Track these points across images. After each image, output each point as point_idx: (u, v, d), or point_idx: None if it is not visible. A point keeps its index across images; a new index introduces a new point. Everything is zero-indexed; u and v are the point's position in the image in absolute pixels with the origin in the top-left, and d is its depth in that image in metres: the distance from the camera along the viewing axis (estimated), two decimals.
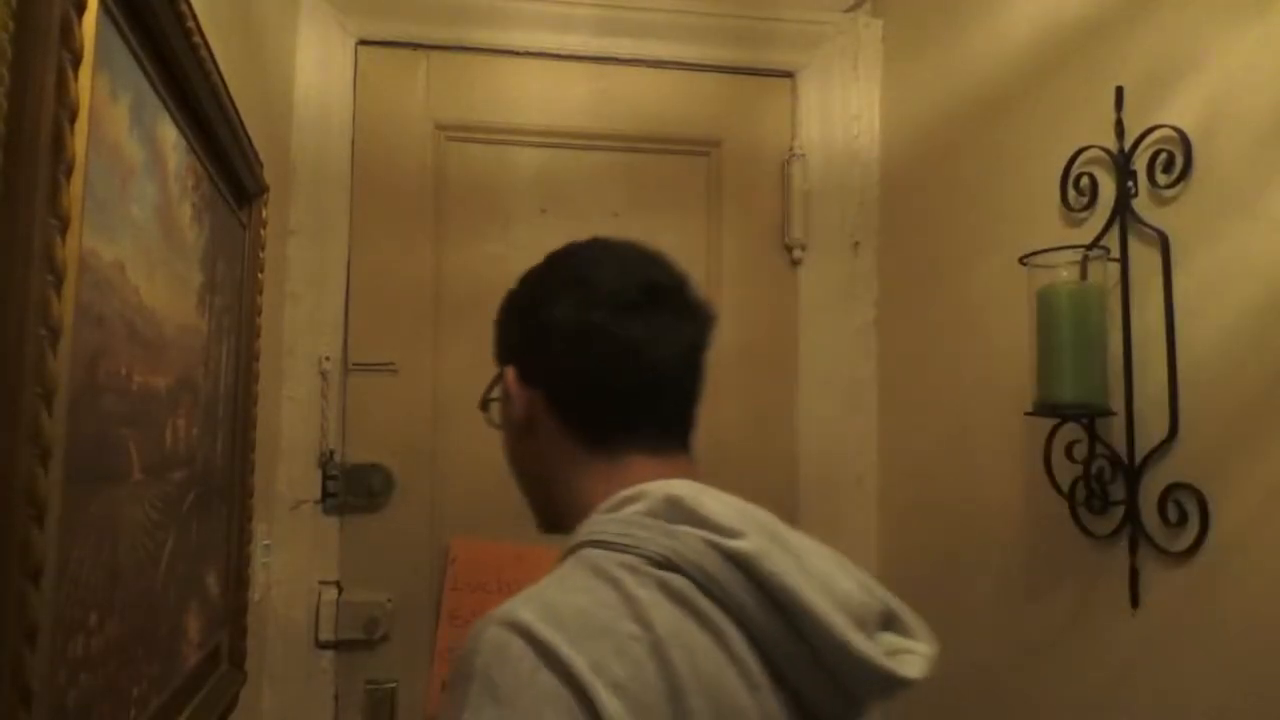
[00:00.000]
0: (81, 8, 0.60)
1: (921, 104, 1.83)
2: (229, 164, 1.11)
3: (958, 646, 1.64)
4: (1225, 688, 1.10)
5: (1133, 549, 1.23)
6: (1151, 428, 1.21)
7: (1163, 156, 1.21)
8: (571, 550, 0.70)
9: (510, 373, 0.80)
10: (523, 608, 0.63)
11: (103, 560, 0.72)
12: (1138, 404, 1.23)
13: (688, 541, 0.65)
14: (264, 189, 1.32)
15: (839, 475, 1.93)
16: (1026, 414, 1.32)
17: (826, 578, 0.67)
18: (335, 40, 1.80)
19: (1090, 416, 1.28)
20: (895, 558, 1.86)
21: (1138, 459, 1.23)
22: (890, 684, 0.67)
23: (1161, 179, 1.21)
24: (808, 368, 1.96)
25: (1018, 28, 1.52)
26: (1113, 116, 1.28)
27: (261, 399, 1.36)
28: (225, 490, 1.20)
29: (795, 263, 1.97)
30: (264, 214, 1.33)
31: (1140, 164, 1.25)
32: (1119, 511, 1.26)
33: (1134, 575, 1.23)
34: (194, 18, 0.85)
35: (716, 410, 1.93)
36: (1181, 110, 1.19)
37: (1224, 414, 1.13)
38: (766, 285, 1.96)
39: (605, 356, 0.75)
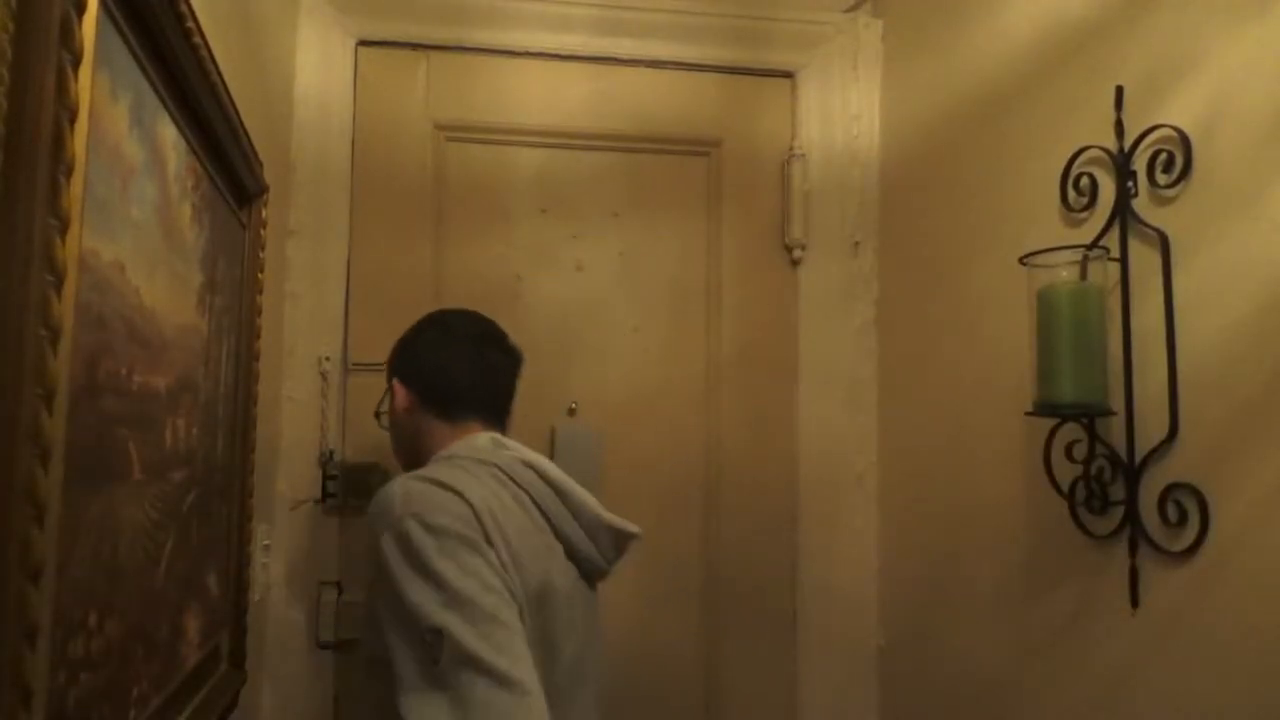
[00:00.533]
0: (81, 8, 0.60)
1: (921, 104, 1.83)
2: (229, 164, 1.11)
3: (958, 646, 1.65)
4: (1225, 687, 1.10)
5: (1133, 549, 1.23)
6: (1151, 428, 1.21)
7: (1163, 156, 1.21)
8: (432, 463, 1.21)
9: (398, 382, 1.33)
10: (417, 475, 1.11)
11: (103, 560, 0.72)
12: (1138, 404, 1.23)
13: (503, 456, 1.19)
14: (264, 189, 1.32)
15: (839, 475, 1.93)
16: (1026, 414, 1.32)
17: (581, 490, 1.23)
18: (335, 40, 1.80)
19: (1090, 416, 1.28)
20: (895, 557, 1.86)
21: (1138, 459, 1.23)
22: (622, 536, 1.25)
23: (1161, 179, 1.21)
24: (808, 367, 1.96)
25: (1018, 28, 1.52)
26: (1113, 116, 1.28)
27: (261, 399, 1.36)
28: (225, 490, 1.20)
29: (795, 263, 1.97)
30: (264, 214, 1.33)
31: (1140, 164, 1.25)
32: (1119, 511, 1.26)
33: (1134, 575, 1.23)
34: (194, 18, 0.85)
35: (717, 409, 1.95)
36: (1181, 110, 1.19)
37: (1224, 414, 1.13)
38: (766, 285, 1.97)
39: (457, 368, 1.30)
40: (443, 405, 1.28)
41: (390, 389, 1.34)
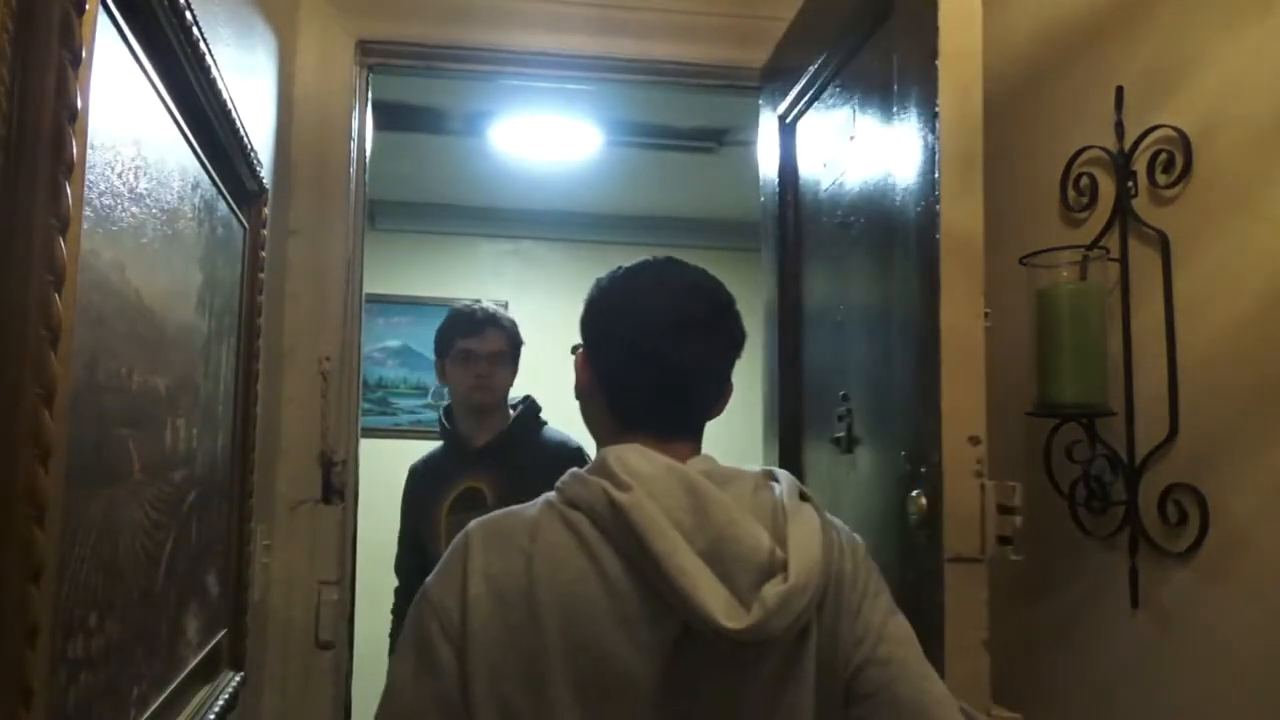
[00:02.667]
0: (81, 8, 0.60)
1: None
2: (229, 164, 1.11)
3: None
4: (1225, 687, 1.10)
5: (1133, 549, 1.23)
6: (1151, 428, 1.21)
7: (1163, 156, 1.21)
8: None
9: (581, 355, 1.02)
10: (484, 518, 0.92)
11: (103, 560, 0.72)
12: (1138, 404, 1.23)
13: (594, 490, 0.88)
14: (264, 189, 1.32)
15: None
16: (1026, 414, 1.32)
17: (721, 531, 0.85)
18: (335, 40, 1.80)
19: (1090, 416, 1.28)
20: None
21: (1138, 459, 1.23)
22: (707, 625, 0.80)
23: (1161, 179, 1.21)
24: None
25: (1017, 28, 1.52)
26: (1113, 116, 1.28)
27: (261, 399, 1.36)
28: (225, 490, 1.20)
29: None
30: (264, 214, 1.33)
31: (1140, 164, 1.25)
32: (1119, 511, 1.25)
33: (1134, 575, 1.23)
34: (194, 18, 0.85)
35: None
36: (1181, 110, 1.19)
37: (1224, 414, 1.13)
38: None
39: (630, 368, 0.97)
40: (616, 412, 0.98)
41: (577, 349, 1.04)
